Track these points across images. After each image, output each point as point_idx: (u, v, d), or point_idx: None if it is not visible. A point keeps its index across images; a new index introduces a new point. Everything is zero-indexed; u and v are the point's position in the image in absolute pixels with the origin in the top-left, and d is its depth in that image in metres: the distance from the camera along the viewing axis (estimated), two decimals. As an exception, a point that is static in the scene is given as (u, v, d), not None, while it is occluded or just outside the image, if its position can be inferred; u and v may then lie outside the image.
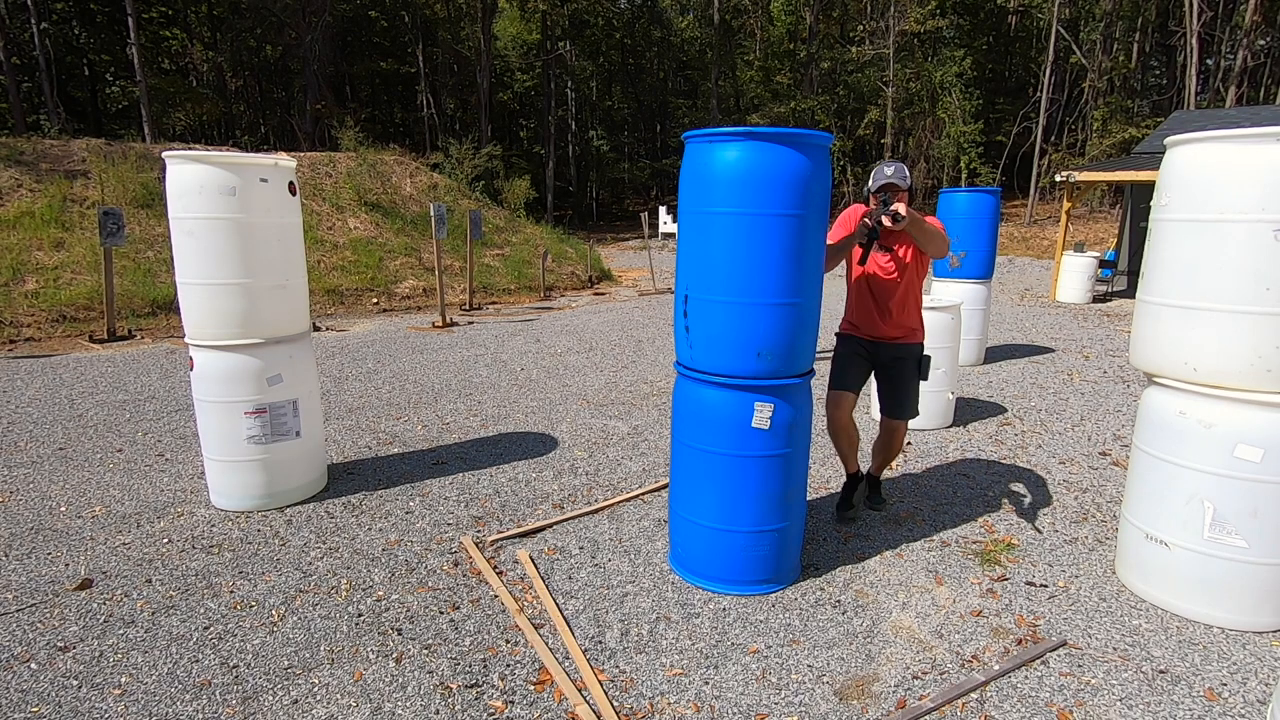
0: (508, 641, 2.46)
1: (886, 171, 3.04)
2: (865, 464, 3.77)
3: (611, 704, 2.14)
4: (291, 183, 3.48)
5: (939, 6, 29.46)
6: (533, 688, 2.23)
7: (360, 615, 2.62)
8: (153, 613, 2.63)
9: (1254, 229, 2.31)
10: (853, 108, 32.71)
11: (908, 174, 3.07)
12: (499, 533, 3.30)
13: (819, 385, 6.15)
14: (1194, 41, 23.47)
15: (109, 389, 5.88)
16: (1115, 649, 2.45)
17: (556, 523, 3.41)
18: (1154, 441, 2.66)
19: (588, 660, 2.35)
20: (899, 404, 3.33)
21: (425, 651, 2.41)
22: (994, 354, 7.54)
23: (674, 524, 2.93)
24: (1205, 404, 2.50)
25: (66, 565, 2.98)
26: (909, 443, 4.68)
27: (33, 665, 2.33)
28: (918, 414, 3.36)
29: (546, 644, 2.43)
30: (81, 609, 2.65)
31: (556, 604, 2.69)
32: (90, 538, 3.24)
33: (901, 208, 2.83)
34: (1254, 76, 26.18)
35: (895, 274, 3.21)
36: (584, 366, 6.89)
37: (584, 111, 37.20)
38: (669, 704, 2.16)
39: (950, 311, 4.94)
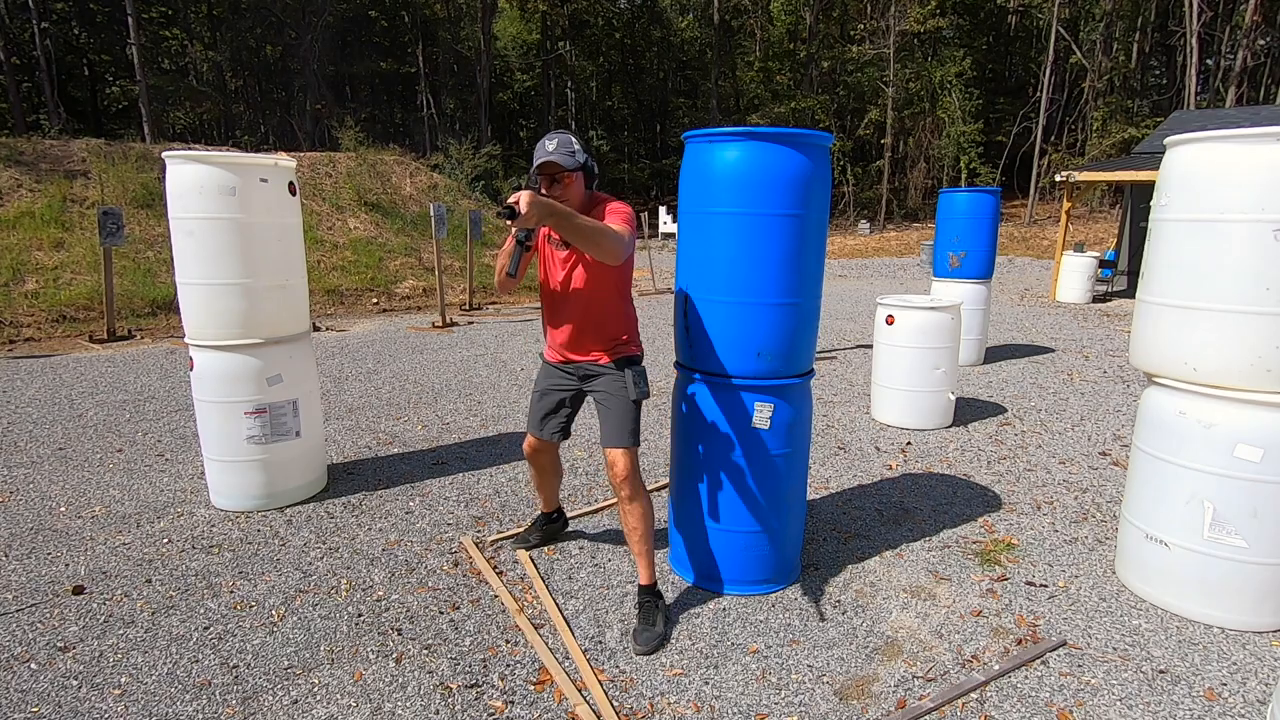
0: (508, 641, 2.46)
1: (548, 146, 2.37)
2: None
3: (611, 704, 2.14)
4: (291, 183, 3.48)
5: (939, 6, 29.47)
6: (533, 688, 2.23)
7: (360, 615, 2.62)
8: (153, 613, 2.63)
9: (1254, 229, 2.31)
10: (853, 108, 32.71)
11: (575, 145, 2.40)
12: (499, 533, 3.30)
13: (819, 385, 6.17)
14: (1194, 41, 23.48)
15: (109, 389, 5.88)
16: (1115, 649, 2.45)
17: (556, 523, 3.41)
18: (1154, 441, 2.66)
19: (588, 660, 2.35)
20: (604, 430, 2.59)
21: (425, 651, 2.41)
22: (994, 354, 7.55)
23: (674, 524, 2.93)
24: (1205, 404, 2.49)
25: (66, 565, 2.98)
26: (909, 442, 4.68)
27: (33, 665, 2.33)
28: (637, 441, 2.55)
29: (546, 644, 2.43)
30: (81, 609, 2.65)
31: (556, 604, 2.69)
32: (90, 538, 3.24)
33: (524, 199, 2.01)
34: (1254, 76, 26.19)
35: (573, 277, 2.52)
36: (584, 366, 6.88)
37: (584, 111, 37.20)
38: (669, 704, 2.16)
39: (950, 311, 4.94)
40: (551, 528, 3.21)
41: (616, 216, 2.41)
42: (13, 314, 8.30)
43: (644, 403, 2.63)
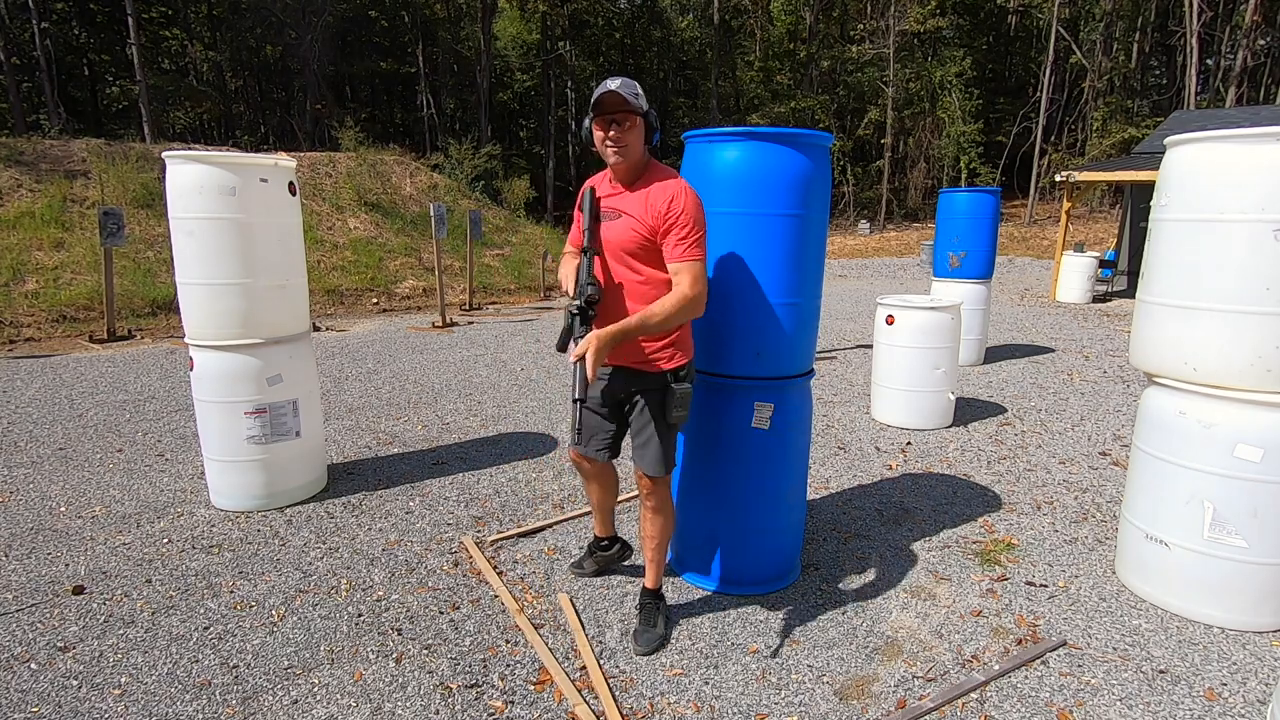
0: (508, 641, 2.46)
1: (610, 85, 2.10)
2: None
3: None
4: (291, 183, 3.48)
5: (939, 6, 29.49)
6: (533, 688, 2.23)
7: (360, 615, 2.62)
8: (153, 613, 2.63)
9: (1254, 229, 2.31)
10: (853, 108, 32.72)
11: (640, 90, 2.15)
12: (499, 533, 3.30)
13: (818, 385, 6.17)
14: (1194, 41, 23.49)
15: (109, 389, 5.88)
16: (1115, 649, 2.45)
17: (556, 523, 3.40)
18: (1154, 441, 2.66)
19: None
20: (636, 448, 2.39)
21: (425, 651, 2.41)
22: (994, 354, 7.55)
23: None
24: (1205, 404, 2.49)
25: (66, 565, 2.98)
26: (909, 442, 4.68)
27: (33, 665, 2.33)
28: (671, 466, 2.38)
29: (546, 644, 2.43)
30: (81, 609, 2.65)
31: (595, 658, 2.68)
32: (90, 538, 3.24)
33: (590, 358, 1.94)
34: (1254, 76, 26.21)
35: (627, 258, 2.25)
36: (584, 366, 6.88)
37: (584, 111, 37.17)
38: (669, 704, 2.16)
39: (950, 311, 4.94)
40: (603, 556, 2.86)
41: (678, 234, 2.12)
42: (13, 314, 8.29)
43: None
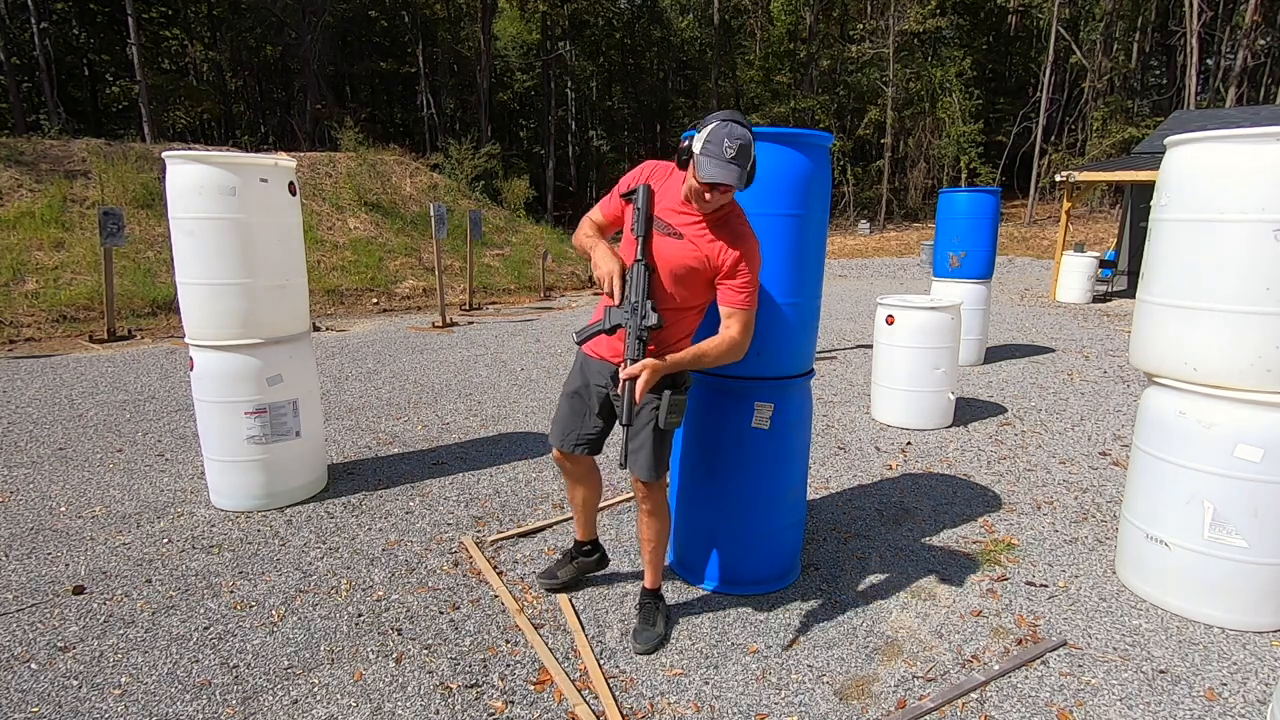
0: (508, 641, 2.46)
1: (728, 153, 1.93)
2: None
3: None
4: (291, 183, 3.48)
5: (939, 6, 29.49)
6: (533, 688, 2.23)
7: (360, 615, 2.62)
8: (153, 613, 2.63)
9: (1254, 229, 2.31)
10: (853, 108, 32.73)
11: (753, 151, 1.99)
12: (499, 533, 3.29)
13: (819, 385, 6.17)
14: (1194, 41, 23.50)
15: (109, 389, 5.88)
16: (1115, 649, 2.45)
17: (556, 523, 3.40)
18: (1154, 441, 2.66)
19: (599, 664, 2.35)
20: (630, 452, 2.28)
21: (425, 651, 2.41)
22: (994, 354, 7.55)
23: (674, 524, 2.92)
24: (1205, 404, 2.49)
25: (66, 565, 2.98)
26: (909, 442, 4.68)
27: (33, 665, 2.33)
28: (664, 470, 2.35)
29: (546, 644, 2.43)
30: (81, 609, 2.65)
31: (600, 667, 2.68)
32: (90, 538, 3.24)
33: (641, 386, 2.03)
34: (1254, 76, 26.21)
35: (676, 275, 2.21)
36: (584, 366, 6.87)
37: (584, 111, 37.17)
38: (669, 704, 2.16)
39: (950, 311, 4.94)
40: (585, 562, 2.76)
41: (740, 281, 2.15)
42: (13, 314, 8.29)
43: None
